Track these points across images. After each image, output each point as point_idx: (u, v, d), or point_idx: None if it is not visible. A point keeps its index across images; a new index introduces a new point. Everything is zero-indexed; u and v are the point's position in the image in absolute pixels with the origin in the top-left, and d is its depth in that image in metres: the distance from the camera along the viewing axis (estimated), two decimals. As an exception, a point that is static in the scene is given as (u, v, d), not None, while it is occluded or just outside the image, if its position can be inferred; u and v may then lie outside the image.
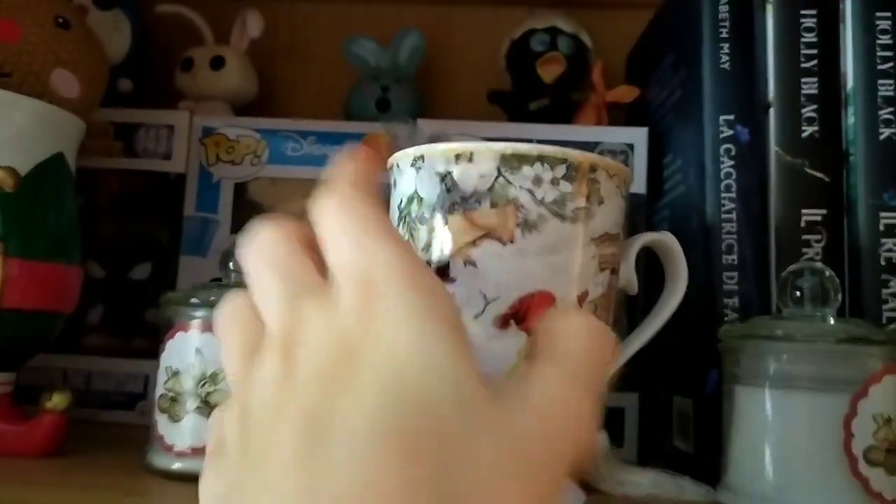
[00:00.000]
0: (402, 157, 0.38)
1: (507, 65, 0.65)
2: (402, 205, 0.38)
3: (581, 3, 0.70)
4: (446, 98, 0.70)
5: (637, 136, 0.57)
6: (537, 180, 0.35)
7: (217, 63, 0.65)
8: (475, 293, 0.35)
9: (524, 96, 0.62)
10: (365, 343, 0.21)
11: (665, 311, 0.41)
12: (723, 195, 0.48)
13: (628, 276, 0.39)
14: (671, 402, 0.53)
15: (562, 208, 0.35)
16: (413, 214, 0.38)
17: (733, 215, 0.48)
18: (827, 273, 0.41)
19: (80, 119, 0.47)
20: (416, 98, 0.65)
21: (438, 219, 0.37)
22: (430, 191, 0.37)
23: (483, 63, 0.70)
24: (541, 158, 0.35)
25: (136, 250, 0.62)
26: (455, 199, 0.36)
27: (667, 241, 0.41)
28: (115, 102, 0.65)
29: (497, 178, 0.35)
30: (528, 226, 0.35)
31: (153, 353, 0.60)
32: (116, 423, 0.57)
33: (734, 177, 0.48)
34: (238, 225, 0.59)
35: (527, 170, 0.35)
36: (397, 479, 0.18)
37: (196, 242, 0.59)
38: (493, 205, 0.35)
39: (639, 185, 0.57)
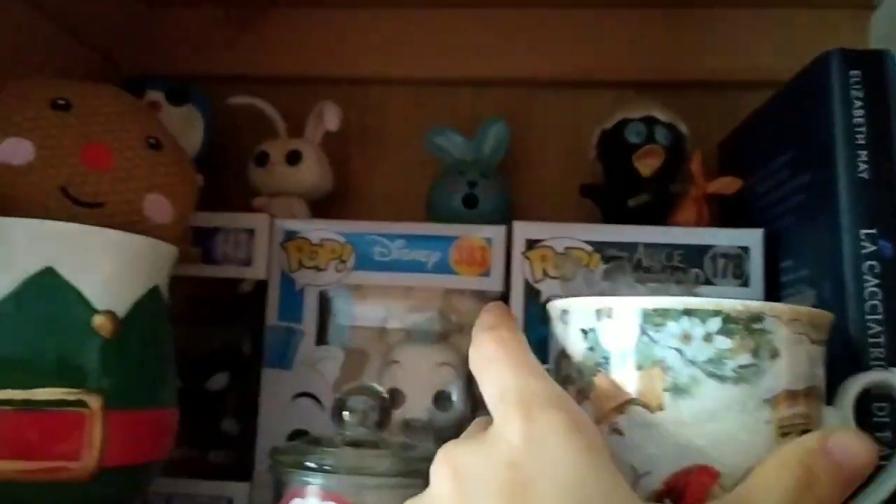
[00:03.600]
0: (552, 310, 0.35)
1: (598, 156, 0.62)
2: (556, 361, 0.35)
3: (668, 84, 0.67)
4: (532, 190, 0.66)
5: (752, 239, 0.53)
6: (686, 337, 0.31)
7: (293, 158, 0.62)
8: (623, 466, 0.31)
9: (621, 191, 0.59)
10: (533, 468, 0.25)
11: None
12: (867, 317, 0.44)
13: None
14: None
15: (719, 368, 0.31)
16: (563, 373, 0.34)
17: (881, 339, 0.44)
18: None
19: (173, 246, 0.44)
20: (505, 193, 0.61)
21: (584, 380, 0.34)
22: (576, 349, 0.34)
23: (568, 151, 0.67)
24: (688, 313, 0.31)
25: (213, 359, 0.59)
26: (598, 360, 0.33)
27: None
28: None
29: (640, 336, 0.32)
30: (678, 390, 0.31)
31: (230, 468, 0.57)
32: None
33: (880, 297, 0.44)
34: (324, 335, 0.56)
35: (672, 326, 0.31)
36: None
37: (279, 354, 0.56)
38: (638, 367, 0.32)
39: (755, 291, 0.53)
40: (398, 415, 0.53)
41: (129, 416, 0.38)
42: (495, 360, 0.30)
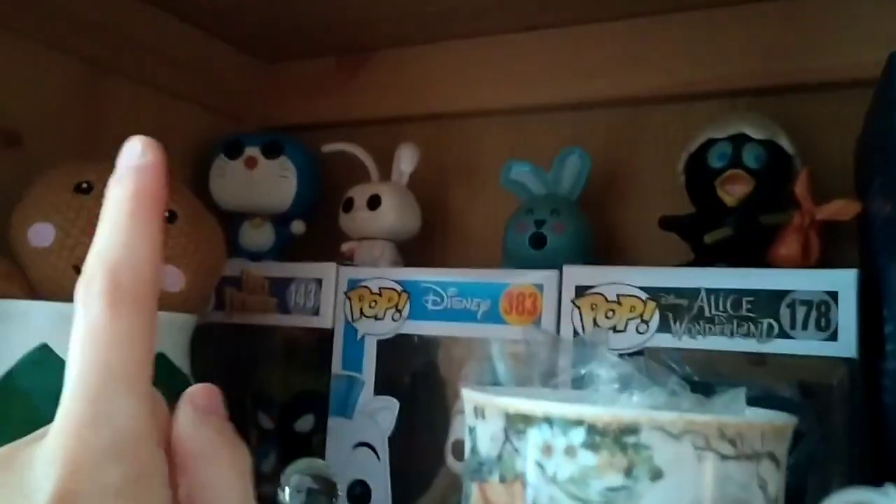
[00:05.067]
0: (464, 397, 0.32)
1: (685, 183, 0.54)
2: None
3: (791, 87, 0.57)
4: (625, 226, 0.60)
5: (843, 282, 0.43)
6: (547, 449, 0.26)
7: (373, 202, 0.62)
8: None
9: (701, 224, 0.51)
10: None
11: None
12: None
13: None
14: None
15: (583, 489, 0.26)
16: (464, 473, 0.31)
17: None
18: None
19: (186, 315, 0.46)
20: (581, 232, 0.56)
21: (467, 486, 0.30)
22: (466, 448, 0.31)
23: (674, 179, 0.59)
24: (547, 420, 0.26)
25: (299, 402, 0.61)
26: (474, 465, 0.29)
27: None
28: (289, 245, 0.66)
29: (504, 443, 0.28)
30: None
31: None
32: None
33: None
34: (382, 386, 0.56)
35: (533, 434, 0.27)
36: None
37: (342, 403, 0.56)
38: (502, 479, 0.27)
39: (845, 346, 0.43)
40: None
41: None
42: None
